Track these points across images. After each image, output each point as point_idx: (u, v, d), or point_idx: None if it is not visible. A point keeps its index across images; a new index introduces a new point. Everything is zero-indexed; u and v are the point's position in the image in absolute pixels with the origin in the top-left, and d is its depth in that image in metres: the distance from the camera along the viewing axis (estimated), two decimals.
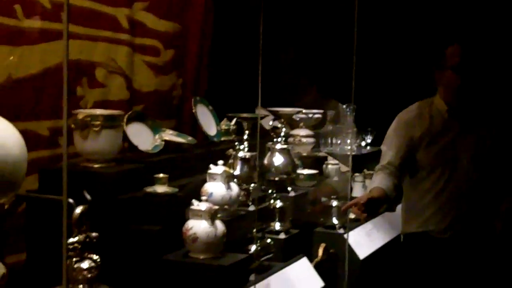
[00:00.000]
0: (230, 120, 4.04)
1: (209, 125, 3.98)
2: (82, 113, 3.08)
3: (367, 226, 4.10)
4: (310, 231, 3.85)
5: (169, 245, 2.93)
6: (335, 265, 3.67)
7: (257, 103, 2.47)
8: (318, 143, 4.70)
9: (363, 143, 5.15)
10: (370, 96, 4.74)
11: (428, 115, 3.57)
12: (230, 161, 3.47)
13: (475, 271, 3.48)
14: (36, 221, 2.97)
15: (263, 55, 2.34)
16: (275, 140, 3.89)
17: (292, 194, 3.85)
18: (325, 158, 4.61)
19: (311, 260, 3.53)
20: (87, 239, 2.30)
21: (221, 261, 2.84)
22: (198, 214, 2.85)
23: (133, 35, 4.03)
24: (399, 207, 4.04)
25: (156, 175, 3.08)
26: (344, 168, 4.53)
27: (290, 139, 4.33)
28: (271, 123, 4.11)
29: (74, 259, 2.28)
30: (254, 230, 3.15)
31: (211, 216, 2.85)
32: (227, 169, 3.20)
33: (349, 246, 3.68)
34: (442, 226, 3.49)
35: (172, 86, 4.46)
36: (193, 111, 3.86)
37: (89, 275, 2.30)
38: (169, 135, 3.69)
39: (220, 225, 2.88)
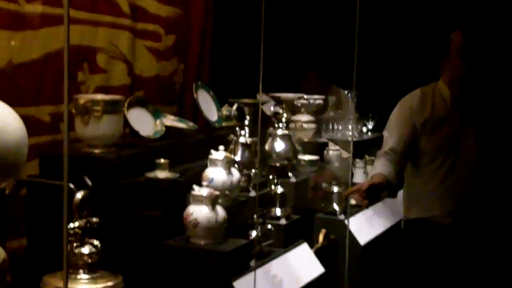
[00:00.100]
0: (232, 106, 4.04)
1: (210, 110, 3.97)
2: (83, 98, 3.08)
3: (368, 212, 4.10)
4: (310, 217, 3.86)
5: (170, 230, 2.94)
6: (336, 251, 3.68)
7: (259, 89, 2.46)
8: (319, 129, 4.70)
9: (364, 129, 5.15)
10: (372, 82, 4.71)
11: (431, 101, 3.55)
12: (231, 146, 3.47)
13: (477, 257, 3.48)
14: (37, 206, 2.98)
15: (265, 40, 2.33)
16: (276, 125, 3.88)
17: (293, 180, 3.85)
18: (326, 144, 4.61)
19: (311, 246, 3.54)
20: (88, 225, 2.31)
21: (222, 246, 2.85)
22: (199, 200, 2.85)
23: (135, 20, 4.01)
24: (400, 193, 4.03)
25: (157, 161, 3.08)
26: (345, 154, 4.52)
27: (291, 125, 4.33)
28: (272, 108, 4.10)
29: (74, 244, 2.29)
30: (255, 216, 3.15)
31: (212, 201, 2.85)
32: (228, 154, 3.20)
33: (350, 232, 3.69)
34: (444, 212, 3.48)
35: (173, 71, 4.45)
36: (194, 96, 3.85)
37: (89, 260, 2.31)
38: (170, 120, 3.69)
39: (221, 211, 2.88)
